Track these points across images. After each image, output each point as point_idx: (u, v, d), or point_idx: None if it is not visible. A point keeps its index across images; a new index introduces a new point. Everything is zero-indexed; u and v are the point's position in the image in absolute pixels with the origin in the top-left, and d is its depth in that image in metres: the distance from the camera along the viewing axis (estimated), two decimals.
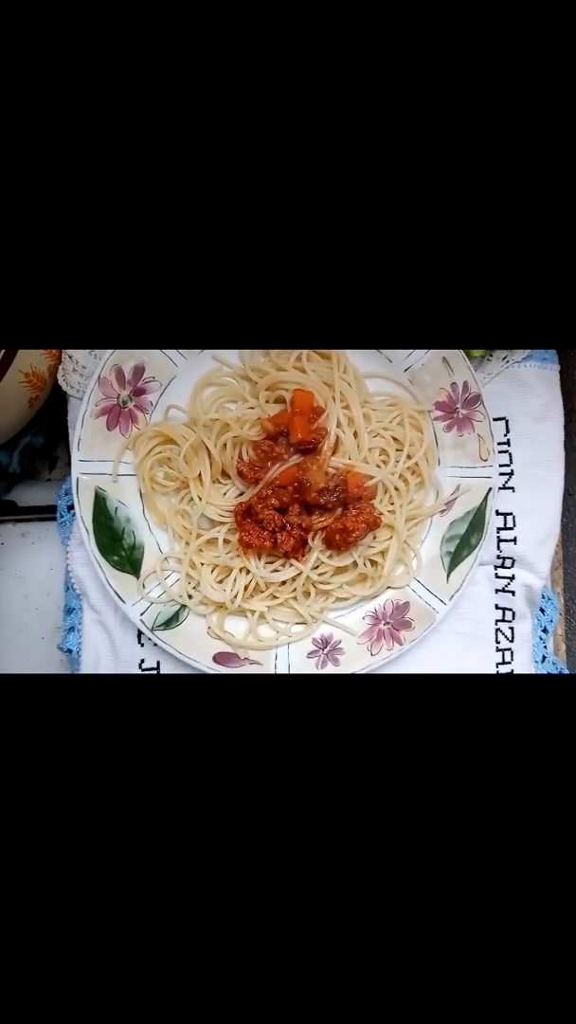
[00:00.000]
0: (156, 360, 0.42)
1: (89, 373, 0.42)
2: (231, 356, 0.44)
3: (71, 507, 0.45)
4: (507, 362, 0.49)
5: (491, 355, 0.48)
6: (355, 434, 0.43)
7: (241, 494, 0.43)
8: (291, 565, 0.43)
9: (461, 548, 0.46)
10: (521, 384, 0.49)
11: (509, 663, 0.49)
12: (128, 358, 0.42)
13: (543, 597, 0.50)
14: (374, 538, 0.45)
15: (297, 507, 0.42)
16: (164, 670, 0.45)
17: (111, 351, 0.41)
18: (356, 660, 0.44)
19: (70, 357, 0.43)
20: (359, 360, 0.45)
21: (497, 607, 0.48)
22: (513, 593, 0.48)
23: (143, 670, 0.45)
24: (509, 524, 0.48)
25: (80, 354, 0.43)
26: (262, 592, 0.43)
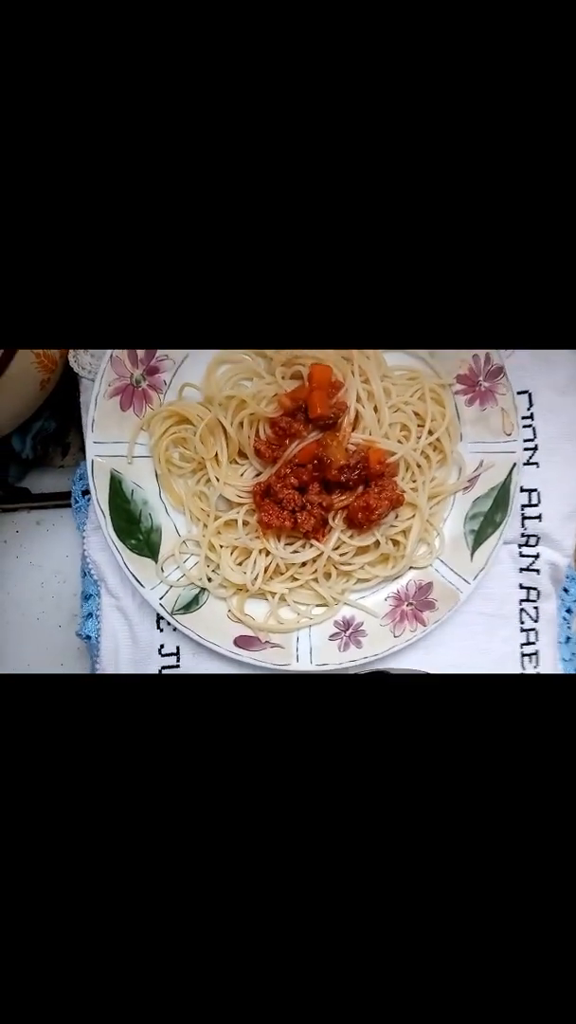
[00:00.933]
0: None
1: (100, 354, 0.41)
2: None
3: (86, 492, 0.45)
4: None
5: None
6: (375, 408, 0.42)
7: (259, 474, 0.42)
8: (312, 546, 0.42)
9: (485, 526, 0.44)
10: (544, 357, 0.47)
11: (534, 643, 0.48)
12: None
13: (567, 577, 0.49)
14: (396, 517, 0.44)
15: (317, 486, 0.41)
16: (184, 655, 0.44)
17: None
18: (379, 642, 0.43)
19: None
20: None
21: (521, 586, 0.47)
22: (538, 572, 0.47)
23: (163, 655, 0.44)
24: (533, 501, 0.47)
25: None
26: (282, 574, 0.43)
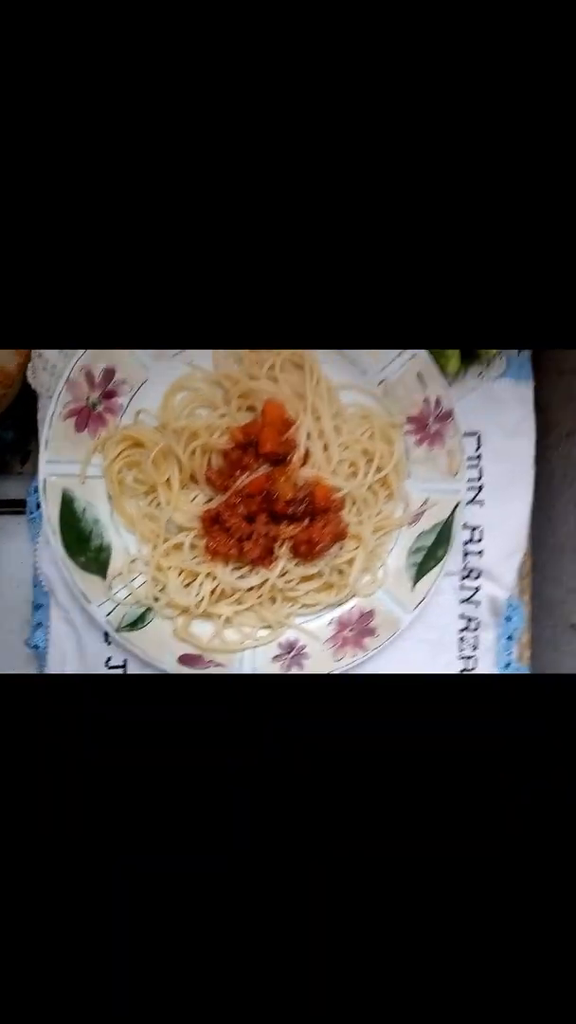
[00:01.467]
0: (127, 363, 0.42)
1: (59, 372, 0.42)
2: (204, 361, 0.43)
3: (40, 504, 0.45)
4: (482, 378, 0.49)
5: (466, 371, 0.48)
6: (325, 447, 0.43)
7: (210, 500, 0.43)
8: (257, 572, 0.44)
9: (427, 560, 0.46)
10: (495, 400, 0.49)
11: (472, 670, 0.50)
12: (98, 359, 0.41)
13: (510, 605, 0.51)
14: (341, 548, 0.45)
15: (265, 516, 0.43)
16: (131, 668, 0.45)
17: (81, 351, 0.41)
18: (321, 665, 0.45)
19: (40, 355, 0.42)
20: (333, 370, 0.45)
21: (462, 616, 0.50)
22: (478, 604, 0.49)
23: (109, 668, 0.45)
24: (476, 538, 0.49)
25: (50, 352, 0.42)
26: (228, 597, 0.44)
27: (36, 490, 0.46)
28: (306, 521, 0.43)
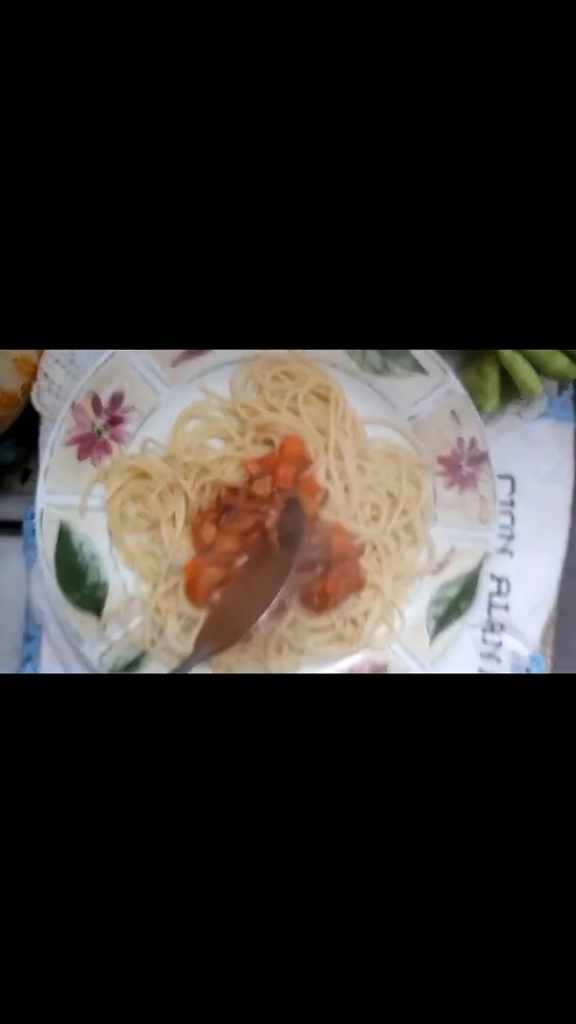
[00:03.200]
0: (137, 388, 0.39)
1: (65, 395, 0.39)
2: (221, 388, 0.40)
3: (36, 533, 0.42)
4: (520, 417, 0.45)
5: (503, 409, 0.44)
6: (346, 488, 0.40)
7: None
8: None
9: (449, 613, 0.43)
10: (532, 442, 0.45)
11: None
12: (106, 384, 0.38)
13: (531, 659, 0.47)
14: (357, 596, 0.42)
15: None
16: None
17: (88, 375, 0.38)
18: None
19: (46, 376, 0.39)
20: (360, 403, 0.41)
21: (480, 671, 0.46)
22: (499, 660, 0.46)
23: None
24: (503, 590, 0.46)
25: (57, 374, 0.39)
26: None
27: (33, 516, 0.44)
28: (319, 569, 0.39)
